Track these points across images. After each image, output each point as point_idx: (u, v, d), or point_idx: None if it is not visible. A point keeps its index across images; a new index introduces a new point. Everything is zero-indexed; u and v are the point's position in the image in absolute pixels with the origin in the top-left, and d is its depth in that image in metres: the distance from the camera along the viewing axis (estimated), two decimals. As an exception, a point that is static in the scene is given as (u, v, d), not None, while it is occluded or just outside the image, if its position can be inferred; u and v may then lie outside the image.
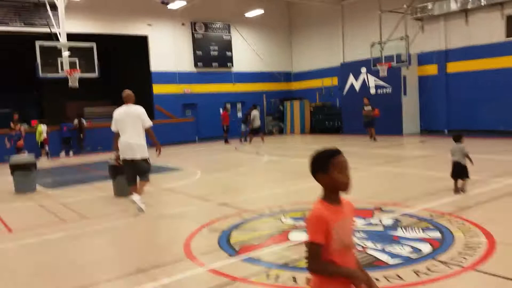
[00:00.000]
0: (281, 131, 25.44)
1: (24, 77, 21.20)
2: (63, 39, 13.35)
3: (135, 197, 6.73)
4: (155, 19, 22.01)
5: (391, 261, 4.30)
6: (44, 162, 15.75)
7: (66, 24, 13.50)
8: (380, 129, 19.51)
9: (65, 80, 13.40)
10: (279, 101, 26.10)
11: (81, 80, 13.54)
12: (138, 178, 6.92)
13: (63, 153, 18.36)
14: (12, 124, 16.62)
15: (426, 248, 4.62)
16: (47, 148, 17.43)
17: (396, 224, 5.53)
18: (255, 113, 18.89)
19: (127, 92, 6.94)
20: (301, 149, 16.22)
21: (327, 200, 2.10)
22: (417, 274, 3.96)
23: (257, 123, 18.72)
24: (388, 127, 19.49)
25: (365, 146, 15.17)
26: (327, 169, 2.06)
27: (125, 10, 21.07)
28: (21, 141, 16.13)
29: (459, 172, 7.05)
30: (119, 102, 22.64)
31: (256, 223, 6.00)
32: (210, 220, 6.23)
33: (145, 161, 6.80)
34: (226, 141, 19.98)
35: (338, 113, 22.79)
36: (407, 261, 4.29)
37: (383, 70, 17.30)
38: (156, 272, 4.38)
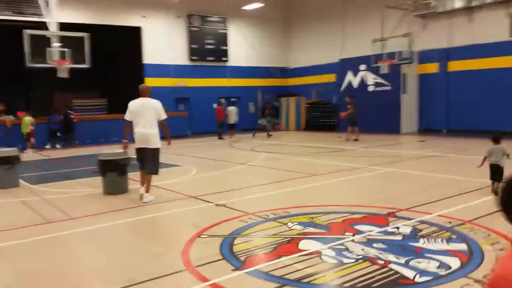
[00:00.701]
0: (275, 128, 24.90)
1: (12, 67, 20.39)
2: (53, 28, 12.73)
3: (142, 190, 7.17)
4: (149, 10, 21.35)
5: (418, 278, 3.80)
6: (30, 155, 15.06)
7: (57, 14, 12.87)
8: (378, 127, 19.15)
9: (53, 71, 12.80)
10: (274, 97, 25.58)
11: (70, 71, 12.95)
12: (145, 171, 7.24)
13: (49, 146, 17.66)
14: (-3, 115, 15.89)
15: (454, 263, 4.12)
16: (32, 140, 16.71)
17: (415, 233, 5.04)
18: (230, 109, 18.98)
19: (144, 86, 7.46)
20: (298, 146, 15.71)
21: None
22: (452, 295, 3.47)
23: (232, 119, 18.79)
24: (386, 125, 19.11)
25: (363, 145, 14.71)
26: None
27: (118, 0, 20.36)
28: None
29: (498, 174, 6.61)
30: (108, 94, 22.01)
31: (260, 228, 5.47)
32: (209, 223, 5.70)
33: (157, 150, 7.18)
34: (220, 137, 19.43)
35: (334, 110, 22.31)
36: (437, 278, 3.79)
37: (384, 67, 16.85)
38: (151, 287, 3.84)
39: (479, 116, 17.56)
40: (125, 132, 7.25)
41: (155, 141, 7.10)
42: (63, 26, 13.73)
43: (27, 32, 12.07)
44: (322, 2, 23.26)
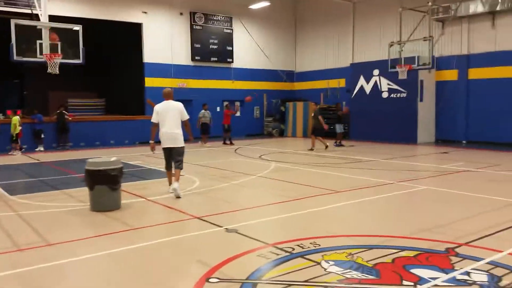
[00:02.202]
0: (281, 134, 23.72)
1: (4, 63, 19.23)
2: (44, 19, 11.54)
3: (175, 185, 7.57)
4: (151, 6, 20.18)
5: None
6: (17, 158, 13.84)
7: (50, 6, 11.74)
8: (392, 136, 18.03)
9: (47, 67, 11.62)
10: (280, 102, 24.38)
11: (66, 69, 11.86)
12: (173, 166, 7.82)
13: (42, 148, 16.41)
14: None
15: None
16: (19, 142, 15.43)
17: (496, 283, 3.80)
18: (202, 112, 18.14)
19: (168, 90, 7.98)
20: (309, 155, 14.49)
21: None
22: None
23: (203, 122, 18.12)
24: (401, 134, 17.96)
25: (382, 156, 13.51)
26: None
27: (118, -6, 19.22)
28: None
29: None
30: (106, 94, 20.47)
31: (287, 269, 4.20)
32: (219, 259, 4.46)
33: (183, 148, 7.87)
34: (225, 142, 18.23)
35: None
36: None
37: (402, 72, 15.65)
38: None
39: (501, 128, 16.46)
40: (152, 133, 7.88)
41: (180, 140, 7.77)
42: (58, 20, 12.59)
43: (15, 21, 10.85)
44: (331, 3, 22.09)
